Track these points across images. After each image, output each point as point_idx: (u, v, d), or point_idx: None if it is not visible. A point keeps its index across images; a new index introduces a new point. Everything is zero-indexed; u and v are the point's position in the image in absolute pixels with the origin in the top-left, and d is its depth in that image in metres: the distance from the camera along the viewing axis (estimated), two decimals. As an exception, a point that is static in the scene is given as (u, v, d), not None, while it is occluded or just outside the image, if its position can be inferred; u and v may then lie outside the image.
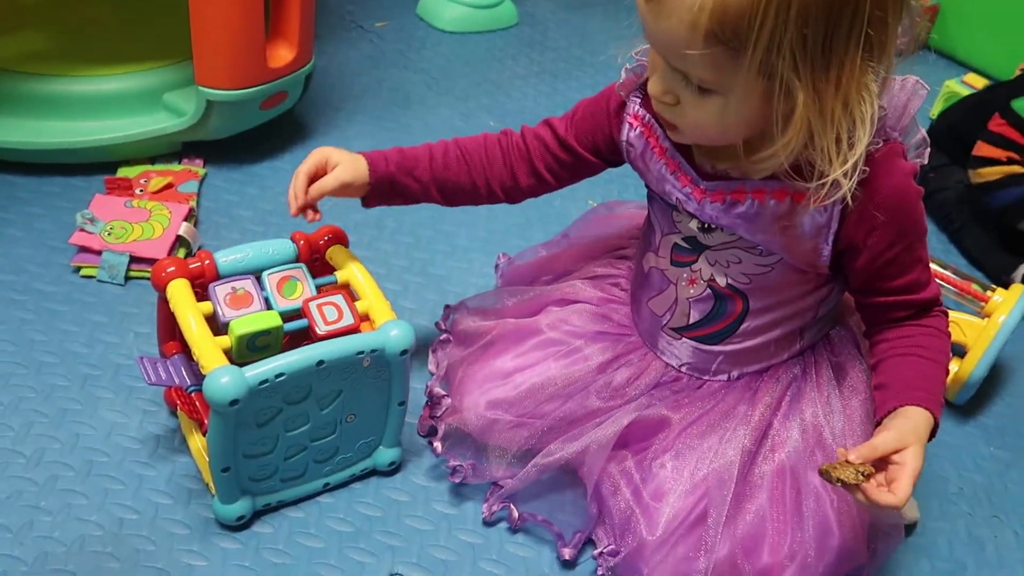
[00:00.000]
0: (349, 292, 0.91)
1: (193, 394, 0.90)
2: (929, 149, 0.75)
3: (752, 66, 0.64)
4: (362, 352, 0.84)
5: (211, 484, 0.88)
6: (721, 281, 0.83)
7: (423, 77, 1.65)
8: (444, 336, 1.06)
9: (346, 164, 0.89)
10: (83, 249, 1.16)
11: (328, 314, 0.86)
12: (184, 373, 0.90)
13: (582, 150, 0.89)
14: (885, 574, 0.92)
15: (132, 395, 1.01)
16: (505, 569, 0.90)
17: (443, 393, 0.97)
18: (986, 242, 1.35)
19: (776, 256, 0.80)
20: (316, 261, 0.94)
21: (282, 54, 1.31)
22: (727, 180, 0.78)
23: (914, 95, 0.73)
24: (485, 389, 0.92)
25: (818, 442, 0.83)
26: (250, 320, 0.84)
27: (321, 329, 0.85)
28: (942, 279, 1.18)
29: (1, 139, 1.26)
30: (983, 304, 1.14)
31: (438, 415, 0.96)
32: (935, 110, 1.63)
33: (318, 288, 0.90)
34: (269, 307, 0.88)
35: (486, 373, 0.93)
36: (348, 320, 0.86)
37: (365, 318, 0.88)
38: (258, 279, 0.90)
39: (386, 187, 0.91)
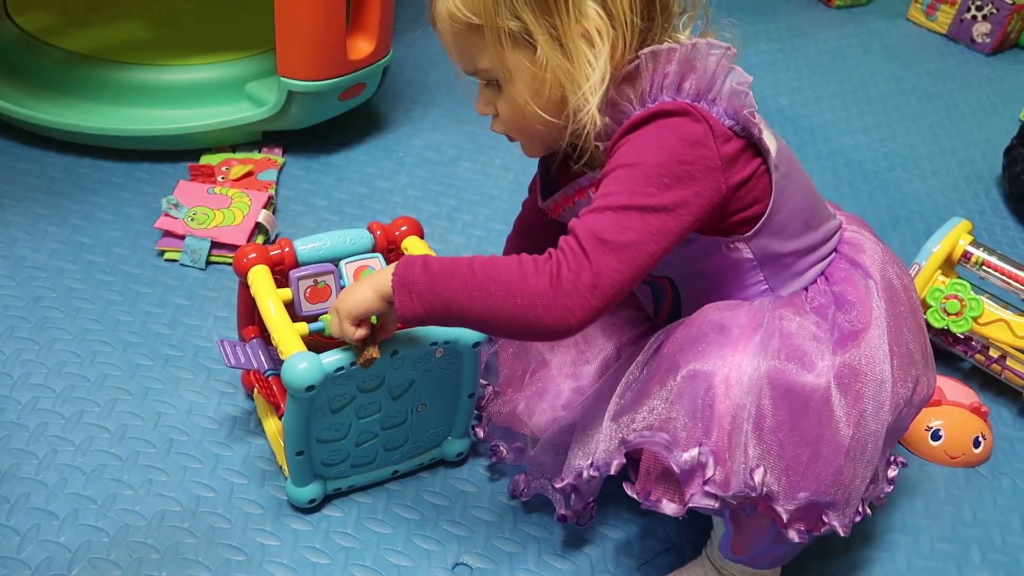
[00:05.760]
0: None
1: (270, 378, 0.92)
2: (752, 108, 0.72)
3: (493, 33, 0.71)
4: (436, 343, 0.85)
5: (285, 467, 0.90)
6: None
7: (498, 71, 1.65)
8: None
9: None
10: (167, 233, 1.20)
11: (403, 304, 0.87)
12: (262, 357, 0.92)
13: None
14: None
15: (211, 377, 1.04)
16: (570, 565, 0.90)
17: (485, 383, 0.97)
18: None
19: None
20: (392, 251, 0.95)
21: (362, 46, 1.33)
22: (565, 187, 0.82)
23: (722, 58, 0.72)
24: (551, 405, 0.91)
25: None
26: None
27: (396, 319, 0.86)
28: (1013, 278, 1.13)
29: (93, 125, 1.31)
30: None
31: (482, 404, 0.97)
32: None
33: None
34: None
35: (553, 392, 0.93)
36: (422, 311, 0.87)
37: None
38: (335, 266, 0.91)
39: None
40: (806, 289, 0.81)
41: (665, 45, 0.72)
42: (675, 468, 0.73)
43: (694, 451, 0.72)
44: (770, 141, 0.75)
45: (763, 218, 0.76)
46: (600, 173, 0.74)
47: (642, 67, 0.73)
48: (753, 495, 0.72)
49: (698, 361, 0.74)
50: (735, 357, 0.73)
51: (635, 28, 0.72)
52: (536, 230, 0.96)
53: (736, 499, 0.73)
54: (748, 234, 0.77)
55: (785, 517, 0.74)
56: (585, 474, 0.80)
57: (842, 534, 0.75)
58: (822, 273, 0.82)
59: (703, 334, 0.76)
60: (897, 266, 0.85)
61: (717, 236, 0.77)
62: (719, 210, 0.74)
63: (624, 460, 0.78)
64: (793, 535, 0.75)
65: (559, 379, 0.92)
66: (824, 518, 0.75)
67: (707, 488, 0.72)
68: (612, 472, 0.78)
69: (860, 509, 0.78)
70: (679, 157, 0.71)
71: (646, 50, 0.73)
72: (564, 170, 0.83)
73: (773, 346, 0.74)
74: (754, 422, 0.72)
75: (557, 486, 0.86)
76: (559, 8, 0.70)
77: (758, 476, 0.72)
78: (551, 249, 0.71)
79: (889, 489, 0.85)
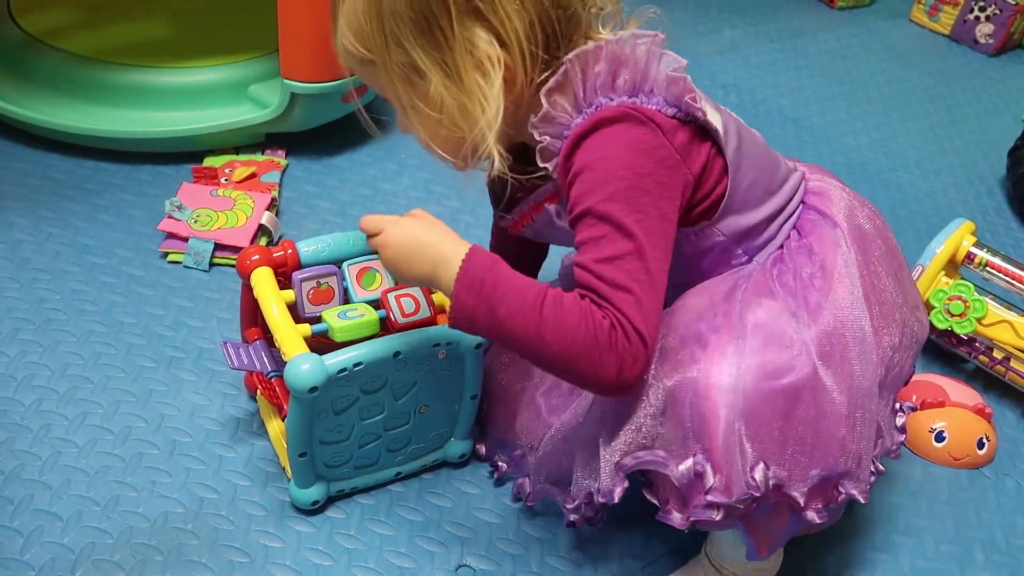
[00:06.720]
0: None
1: (273, 380, 0.92)
2: (692, 93, 0.71)
3: (386, 70, 0.71)
4: (438, 344, 0.85)
5: (288, 468, 0.90)
6: None
7: (500, 72, 1.65)
8: None
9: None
10: (170, 235, 1.20)
11: (406, 306, 0.87)
12: (265, 359, 0.92)
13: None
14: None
15: (214, 378, 1.04)
16: (574, 567, 0.90)
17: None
18: None
19: None
20: (394, 253, 0.95)
21: (364, 48, 1.33)
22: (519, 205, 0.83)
23: (652, 46, 0.71)
24: (543, 418, 0.91)
25: None
26: (352, 327, 0.85)
27: (399, 320, 0.86)
28: (1017, 279, 1.13)
29: (96, 127, 1.31)
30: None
31: (479, 415, 0.97)
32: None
33: (396, 280, 0.91)
34: (348, 299, 0.90)
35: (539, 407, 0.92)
36: (425, 312, 0.88)
37: (442, 311, 0.89)
38: (337, 268, 0.91)
39: None
40: (781, 247, 0.80)
41: (590, 44, 0.71)
42: (675, 482, 0.72)
43: (689, 461, 0.72)
44: (714, 118, 0.74)
45: (724, 199, 0.75)
46: (563, 196, 0.73)
47: (569, 72, 0.71)
48: (757, 494, 0.72)
49: (679, 371, 0.73)
50: (715, 358, 0.72)
51: (536, 57, 0.70)
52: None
53: (742, 502, 0.72)
54: (713, 219, 0.76)
55: (801, 500, 0.73)
56: (595, 499, 0.79)
57: (862, 501, 0.74)
58: (794, 227, 0.81)
59: (683, 342, 0.75)
60: (868, 209, 0.83)
61: (684, 228, 0.76)
62: (687, 203, 0.73)
63: (627, 484, 0.76)
64: (812, 516, 0.74)
65: (549, 390, 0.90)
66: (840, 488, 0.74)
67: (709, 497, 0.71)
68: (615, 500, 0.77)
69: (874, 468, 0.77)
70: (641, 171, 0.70)
71: (571, 54, 0.71)
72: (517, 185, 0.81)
73: (753, 338, 0.73)
74: (746, 420, 0.71)
75: (569, 506, 0.85)
76: (446, 40, 0.69)
77: (758, 473, 0.71)
78: (610, 314, 0.69)
79: (901, 438, 0.83)
